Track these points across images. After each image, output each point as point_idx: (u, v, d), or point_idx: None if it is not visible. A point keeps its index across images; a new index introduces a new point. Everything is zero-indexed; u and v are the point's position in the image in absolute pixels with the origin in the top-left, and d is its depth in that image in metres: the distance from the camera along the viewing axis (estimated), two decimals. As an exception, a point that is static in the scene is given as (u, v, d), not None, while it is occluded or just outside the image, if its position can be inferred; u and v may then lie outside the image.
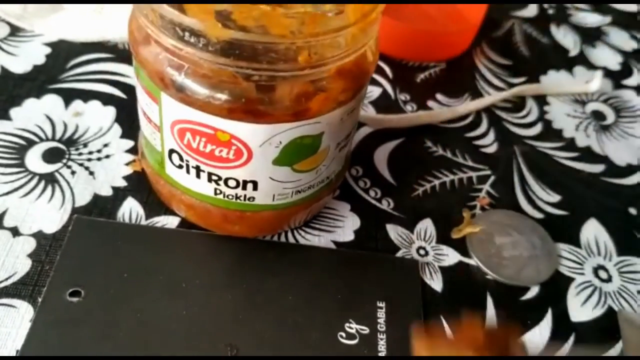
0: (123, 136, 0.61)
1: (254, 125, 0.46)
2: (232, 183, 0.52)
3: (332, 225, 0.58)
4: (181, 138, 0.49)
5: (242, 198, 0.54)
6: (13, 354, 0.48)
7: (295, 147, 0.49)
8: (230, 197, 0.54)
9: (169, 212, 0.55)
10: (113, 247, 0.52)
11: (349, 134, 0.55)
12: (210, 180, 0.52)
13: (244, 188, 0.52)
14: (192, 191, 0.54)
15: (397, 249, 0.58)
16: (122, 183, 0.58)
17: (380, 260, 0.56)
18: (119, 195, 0.56)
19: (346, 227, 0.58)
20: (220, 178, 0.51)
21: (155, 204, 0.56)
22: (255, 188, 0.52)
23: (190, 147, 0.50)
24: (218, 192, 0.53)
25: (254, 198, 0.54)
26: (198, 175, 0.52)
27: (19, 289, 0.52)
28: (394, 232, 0.59)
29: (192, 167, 0.51)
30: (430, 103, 0.79)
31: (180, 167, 0.53)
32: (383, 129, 0.69)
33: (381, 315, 0.56)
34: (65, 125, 0.62)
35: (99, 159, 0.64)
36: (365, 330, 0.54)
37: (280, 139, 0.48)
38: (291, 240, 0.55)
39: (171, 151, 0.52)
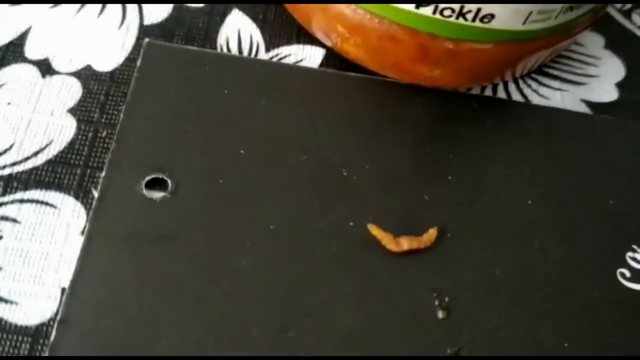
0: None
1: None
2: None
3: (580, 72, 0.34)
4: None
5: (470, 16, 0.26)
6: (56, 293, 0.25)
7: None
8: (449, 14, 0.26)
9: (307, 38, 0.31)
10: (219, 99, 0.33)
11: None
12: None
13: (483, -4, 0.25)
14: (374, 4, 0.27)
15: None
16: (223, -16, 0.31)
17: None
18: (216, 7, 0.29)
19: (603, 76, 0.37)
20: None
21: (279, 24, 0.28)
22: (503, -4, 0.25)
23: None
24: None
25: (492, 17, 0.26)
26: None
27: (59, 174, 0.27)
28: (682, 88, 0.32)
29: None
30: None
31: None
32: None
33: (682, 238, 0.31)
34: None
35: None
36: (662, 265, 0.30)
37: None
38: (515, 96, 0.33)
39: None
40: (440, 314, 0.29)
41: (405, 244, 0.30)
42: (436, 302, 0.29)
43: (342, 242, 0.29)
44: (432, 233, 0.30)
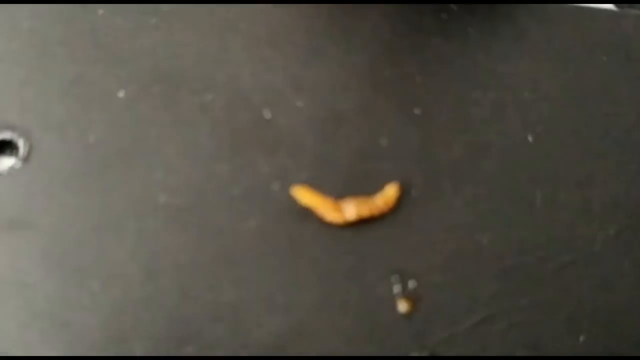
0: None
1: None
2: None
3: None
4: None
5: None
6: None
7: None
8: None
9: None
10: (91, 22, 0.25)
11: None
12: None
13: None
14: None
15: None
16: None
17: None
18: None
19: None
20: None
21: None
22: None
23: None
24: None
25: None
26: None
27: None
28: None
29: None
30: None
31: None
32: None
33: None
34: None
35: None
36: None
37: None
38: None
39: None
40: (402, 306, 0.20)
41: (352, 210, 0.21)
42: (396, 289, 0.20)
43: (264, 213, 0.21)
44: (391, 192, 0.21)
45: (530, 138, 0.23)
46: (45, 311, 0.20)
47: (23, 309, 0.20)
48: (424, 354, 0.20)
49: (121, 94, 0.23)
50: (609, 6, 0.26)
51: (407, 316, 0.21)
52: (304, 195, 0.21)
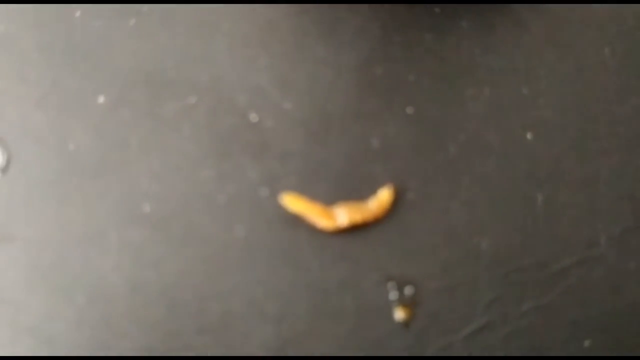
0: None
1: None
2: None
3: None
4: None
5: None
6: None
7: None
8: None
9: None
10: (68, 26, 0.25)
11: None
12: None
13: None
14: None
15: None
16: None
17: None
18: None
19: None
20: None
21: None
22: None
23: None
24: None
25: None
26: None
27: None
28: None
29: None
30: None
31: None
32: None
33: None
34: None
35: None
36: None
37: None
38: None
39: None
40: (399, 314, 0.19)
41: (344, 217, 0.20)
42: (392, 297, 0.19)
43: (252, 221, 0.20)
44: (384, 196, 0.20)
45: (529, 136, 0.22)
46: (30, 328, 0.19)
47: (6, 326, 0.19)
48: (421, 364, 0.19)
49: (101, 99, 0.22)
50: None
51: (405, 324, 0.20)
52: (294, 203, 0.20)
